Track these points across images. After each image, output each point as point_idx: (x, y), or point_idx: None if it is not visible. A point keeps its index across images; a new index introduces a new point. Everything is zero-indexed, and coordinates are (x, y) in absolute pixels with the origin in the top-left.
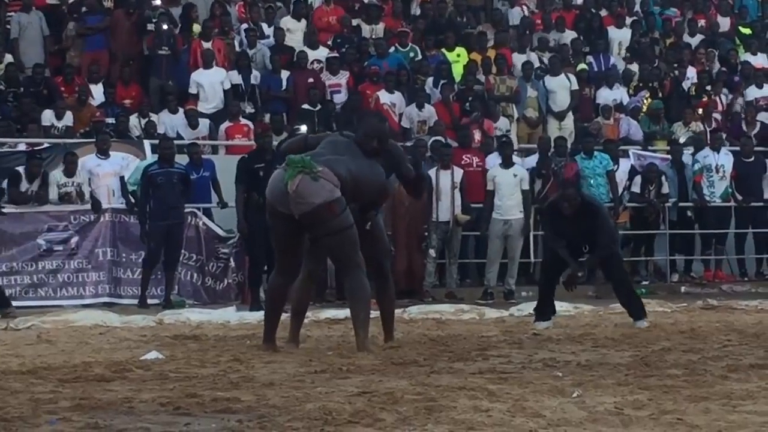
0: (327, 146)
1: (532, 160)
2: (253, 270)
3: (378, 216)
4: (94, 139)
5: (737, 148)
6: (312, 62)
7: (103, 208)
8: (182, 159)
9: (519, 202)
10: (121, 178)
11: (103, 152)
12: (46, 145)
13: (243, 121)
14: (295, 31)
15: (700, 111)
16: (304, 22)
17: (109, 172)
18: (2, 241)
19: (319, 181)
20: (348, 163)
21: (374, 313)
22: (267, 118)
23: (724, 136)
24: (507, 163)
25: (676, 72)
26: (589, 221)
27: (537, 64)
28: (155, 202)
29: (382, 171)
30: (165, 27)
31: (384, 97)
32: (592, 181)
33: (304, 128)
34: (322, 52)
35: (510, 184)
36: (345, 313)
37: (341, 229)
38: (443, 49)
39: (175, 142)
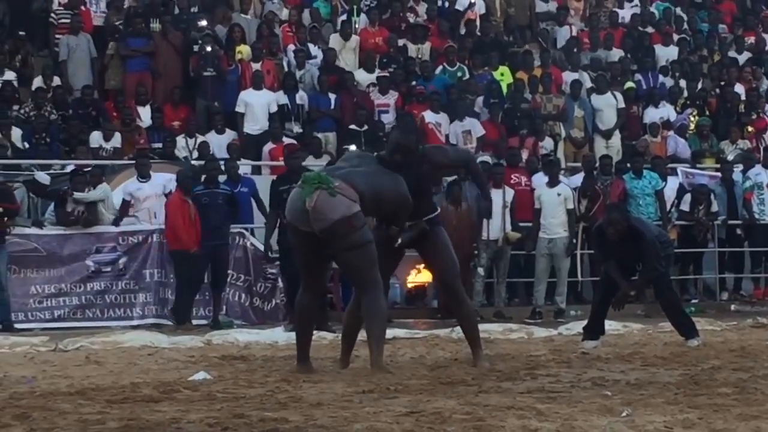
0: (343, 161)
1: (578, 179)
2: (290, 291)
3: (446, 237)
4: (135, 160)
5: None
6: (368, 86)
7: (150, 229)
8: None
9: (564, 221)
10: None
11: (144, 176)
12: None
13: (287, 141)
14: (342, 52)
15: (750, 129)
16: (351, 41)
17: (150, 195)
18: (51, 261)
19: (336, 197)
20: (364, 174)
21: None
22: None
23: None
24: (553, 182)
25: (718, 90)
26: (636, 244)
27: (588, 84)
28: (201, 223)
29: (402, 182)
30: (209, 49)
31: (429, 116)
32: (641, 201)
33: (353, 148)
34: (375, 74)
35: (554, 203)
36: (392, 332)
37: (360, 244)
38: (487, 68)
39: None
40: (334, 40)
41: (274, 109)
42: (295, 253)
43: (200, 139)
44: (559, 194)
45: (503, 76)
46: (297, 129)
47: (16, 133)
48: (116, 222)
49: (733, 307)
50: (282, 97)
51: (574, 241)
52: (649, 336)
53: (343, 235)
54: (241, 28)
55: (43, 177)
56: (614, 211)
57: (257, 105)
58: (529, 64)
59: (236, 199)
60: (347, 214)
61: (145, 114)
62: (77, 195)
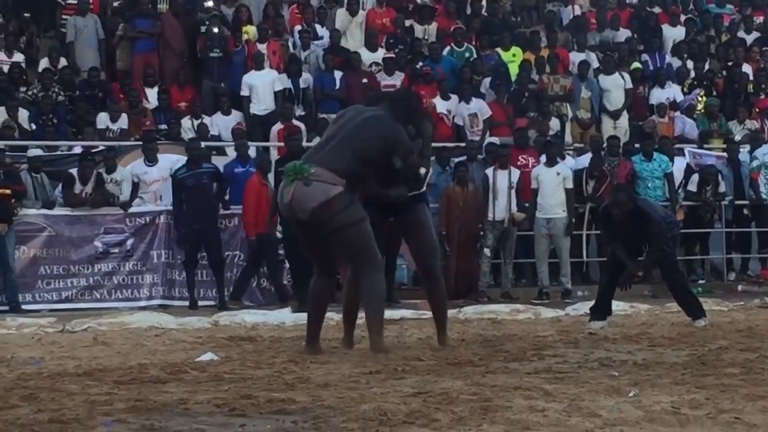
0: (334, 123)
1: (585, 160)
2: (296, 272)
3: (427, 214)
4: (142, 144)
5: None
6: (370, 65)
7: (158, 210)
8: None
9: (562, 201)
10: (172, 177)
11: (151, 160)
12: (101, 147)
13: (295, 123)
14: (349, 28)
15: (757, 110)
16: (358, 17)
17: (157, 179)
18: (59, 242)
19: (311, 185)
20: (345, 141)
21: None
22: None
23: None
24: (551, 162)
25: (724, 72)
26: (642, 225)
27: (596, 64)
28: (187, 206)
29: (388, 121)
30: (216, 30)
31: (440, 105)
32: (649, 183)
33: None
34: (380, 54)
35: (553, 183)
36: (400, 313)
37: (348, 223)
38: (498, 49)
39: (221, 142)
40: (341, 16)
41: (278, 87)
42: (300, 242)
43: (205, 119)
44: (558, 173)
45: (515, 56)
46: (300, 112)
47: (23, 114)
48: (125, 206)
49: (740, 287)
50: (285, 81)
51: (574, 220)
52: (656, 316)
53: (327, 219)
54: (248, 8)
55: (34, 151)
56: (620, 192)
57: (261, 85)
58: (536, 45)
59: (222, 175)
60: (324, 199)
61: (152, 95)
62: (113, 174)
